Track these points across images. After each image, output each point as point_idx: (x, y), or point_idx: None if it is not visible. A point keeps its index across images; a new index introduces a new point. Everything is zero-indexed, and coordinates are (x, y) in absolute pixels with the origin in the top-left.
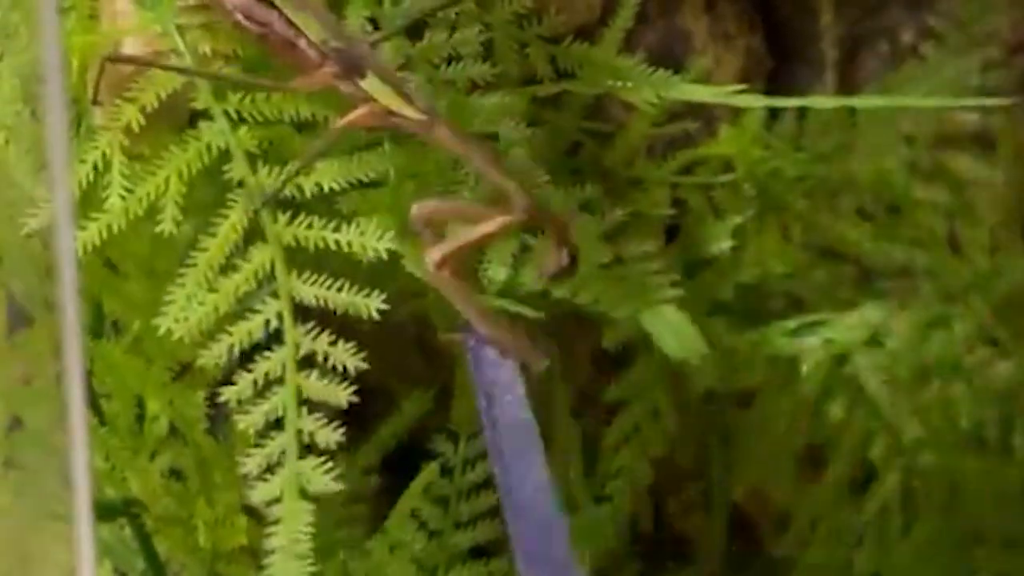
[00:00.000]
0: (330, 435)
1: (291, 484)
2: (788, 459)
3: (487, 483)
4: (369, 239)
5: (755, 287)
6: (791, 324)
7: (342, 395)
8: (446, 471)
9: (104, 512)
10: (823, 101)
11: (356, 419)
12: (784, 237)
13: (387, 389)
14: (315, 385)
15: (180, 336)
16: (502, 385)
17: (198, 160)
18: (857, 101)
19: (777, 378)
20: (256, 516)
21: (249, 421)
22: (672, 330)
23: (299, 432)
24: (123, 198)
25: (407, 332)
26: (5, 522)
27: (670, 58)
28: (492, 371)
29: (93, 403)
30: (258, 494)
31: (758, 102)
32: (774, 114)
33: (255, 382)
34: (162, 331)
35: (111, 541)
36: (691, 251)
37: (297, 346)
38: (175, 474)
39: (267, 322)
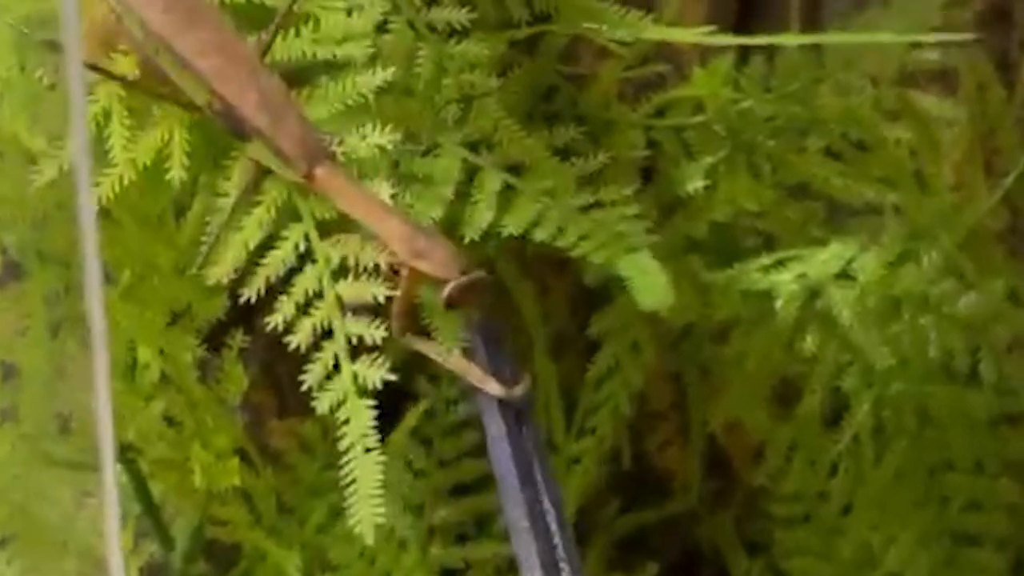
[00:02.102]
0: (376, 331)
1: (350, 385)
2: (763, 392)
3: (468, 423)
4: None
5: (728, 225)
6: (765, 260)
7: (378, 290)
8: (429, 412)
9: None
10: (792, 38)
11: None
12: (754, 176)
13: None
14: (351, 288)
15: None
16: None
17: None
18: (824, 38)
19: (751, 313)
20: (248, 459)
21: (300, 338)
22: (645, 279)
23: (347, 337)
24: (127, 148)
25: None
26: (4, 469)
27: (637, 7)
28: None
29: None
30: (323, 403)
31: (729, 41)
32: (744, 58)
33: (296, 303)
34: (212, 281)
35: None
36: (666, 191)
37: (327, 259)
38: (168, 420)
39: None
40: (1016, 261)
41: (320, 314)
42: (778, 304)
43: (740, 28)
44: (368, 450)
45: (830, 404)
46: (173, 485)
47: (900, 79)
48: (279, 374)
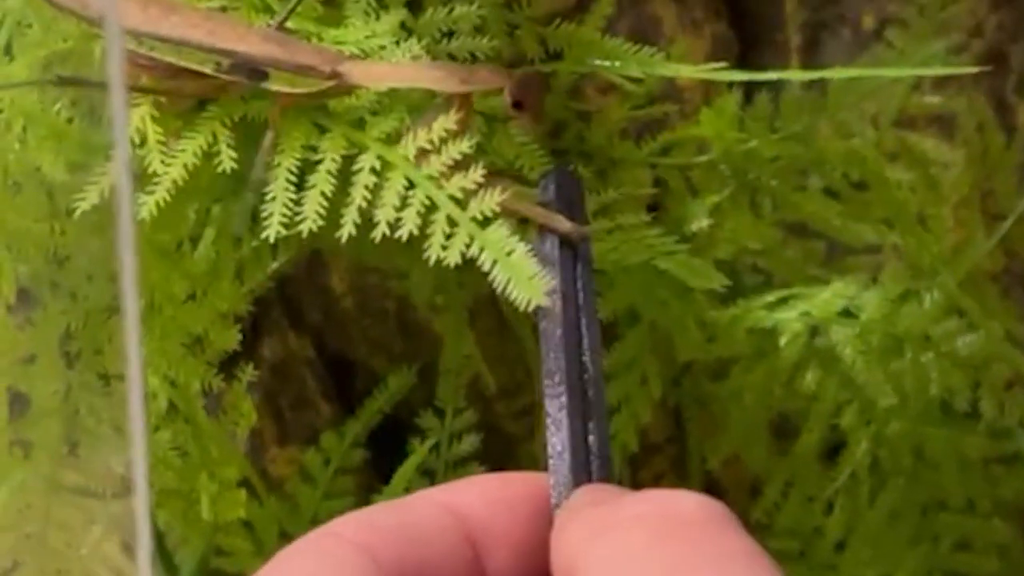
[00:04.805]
0: (473, 175)
1: (473, 226)
2: (762, 428)
3: (472, 456)
4: None
5: (730, 263)
6: (769, 298)
7: (462, 145)
8: (432, 446)
9: None
10: (798, 74)
11: (342, 397)
12: (756, 215)
13: (371, 368)
14: (438, 163)
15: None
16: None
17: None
18: (830, 72)
19: (754, 350)
20: (251, 488)
21: (409, 227)
22: (688, 266)
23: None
24: (164, 163)
25: (389, 313)
26: (20, 495)
27: (641, 45)
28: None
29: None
30: (452, 256)
31: (738, 77)
32: (747, 97)
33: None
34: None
35: (119, 514)
36: (671, 229)
37: (406, 157)
38: (175, 449)
39: None
40: (1010, 302)
41: (418, 198)
42: (782, 341)
43: (741, 66)
44: (509, 253)
45: (827, 441)
46: (179, 514)
47: (900, 122)
48: (280, 402)
